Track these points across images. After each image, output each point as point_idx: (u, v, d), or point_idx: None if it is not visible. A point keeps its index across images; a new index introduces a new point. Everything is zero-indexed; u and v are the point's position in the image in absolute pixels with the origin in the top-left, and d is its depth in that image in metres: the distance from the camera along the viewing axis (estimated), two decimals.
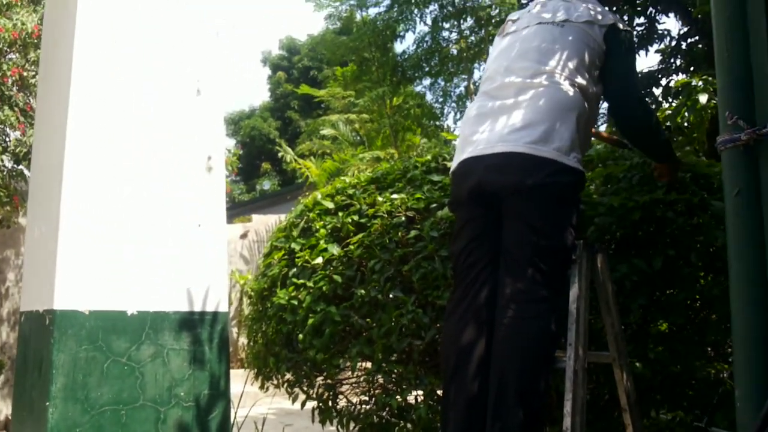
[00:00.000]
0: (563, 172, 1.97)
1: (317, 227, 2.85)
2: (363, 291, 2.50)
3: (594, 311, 2.24)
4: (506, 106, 2.07)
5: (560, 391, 1.90)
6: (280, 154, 10.71)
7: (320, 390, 2.82)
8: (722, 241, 2.38)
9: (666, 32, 7.13)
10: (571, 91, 2.04)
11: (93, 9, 2.17)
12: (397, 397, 2.47)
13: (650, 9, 6.82)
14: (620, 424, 2.21)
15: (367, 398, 2.75)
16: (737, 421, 1.25)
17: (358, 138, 8.58)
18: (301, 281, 2.69)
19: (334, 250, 2.68)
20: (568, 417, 1.77)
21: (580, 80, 2.07)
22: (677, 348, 2.40)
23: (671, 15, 6.93)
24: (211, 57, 2.47)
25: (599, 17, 2.15)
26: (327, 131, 8.79)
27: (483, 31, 6.40)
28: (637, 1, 6.68)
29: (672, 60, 6.92)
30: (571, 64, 2.08)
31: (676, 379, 2.44)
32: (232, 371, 3.47)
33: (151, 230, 2.16)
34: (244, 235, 9.67)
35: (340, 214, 2.82)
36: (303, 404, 2.86)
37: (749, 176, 1.27)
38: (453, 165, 2.20)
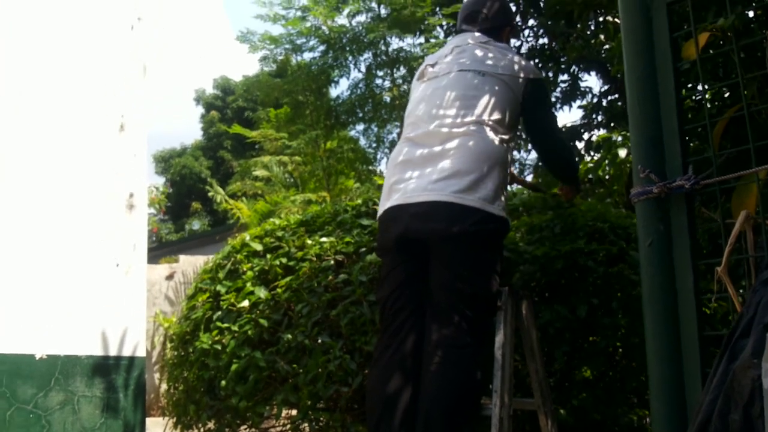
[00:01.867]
0: (488, 220, 2.00)
1: (244, 269, 2.79)
2: (290, 336, 2.44)
3: (518, 357, 2.27)
4: (433, 155, 2.09)
5: None
6: (210, 194, 10.51)
7: None
8: (639, 289, 2.49)
9: (588, 89, 7.51)
10: (495, 141, 2.09)
11: (8, 36, 2.10)
12: None
13: (573, 67, 7.18)
14: None
15: None
16: None
17: (291, 180, 8.54)
18: (226, 325, 2.61)
19: (261, 293, 2.63)
20: None
21: (502, 130, 2.13)
22: (600, 395, 2.45)
23: (593, 73, 7.32)
24: (137, 92, 2.42)
25: (520, 72, 2.21)
26: (259, 172, 8.72)
27: None
28: (562, 59, 7.02)
29: (593, 116, 7.28)
30: (494, 115, 2.13)
31: (599, 426, 2.49)
32: (152, 419, 3.28)
33: (65, 269, 2.06)
34: (170, 276, 9.34)
35: (269, 256, 2.77)
36: None
37: (661, 227, 1.33)
38: (379, 211, 2.21)
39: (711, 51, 1.53)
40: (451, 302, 1.96)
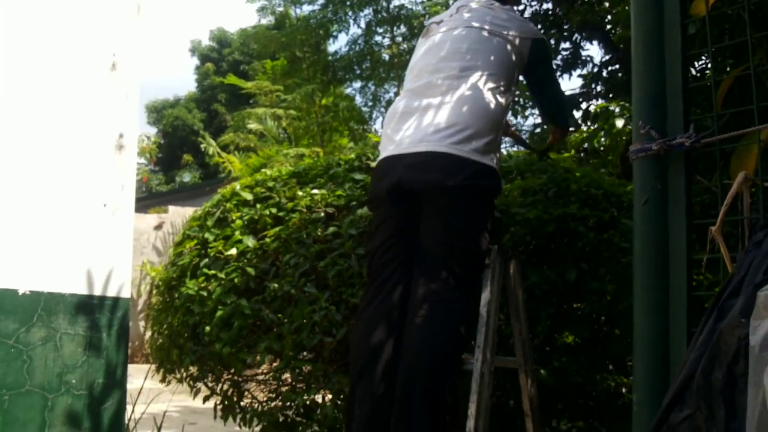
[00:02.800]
0: (483, 175, 2.00)
1: (233, 218, 2.77)
2: (276, 285, 2.44)
3: (503, 317, 2.28)
4: (431, 106, 2.09)
5: (466, 391, 1.91)
6: (203, 146, 10.41)
7: (225, 386, 2.73)
8: (628, 257, 2.50)
9: (589, 58, 7.44)
10: (493, 98, 2.08)
11: None
12: (304, 395, 2.42)
13: (576, 35, 7.10)
14: (523, 431, 2.25)
15: (273, 396, 2.69)
16: (633, 425, 1.29)
17: (285, 135, 8.46)
18: (213, 272, 2.60)
19: (250, 242, 2.61)
20: (472, 419, 1.78)
21: (502, 88, 2.13)
22: (581, 359, 2.47)
23: (595, 42, 7.24)
24: (131, 32, 2.35)
25: (526, 33, 2.23)
26: (253, 125, 8.62)
27: (415, 39, 6.47)
28: (564, 26, 6.93)
29: (593, 85, 7.23)
30: (496, 72, 2.13)
31: (578, 390, 2.51)
32: (137, 366, 3.28)
33: (51, 207, 2.02)
34: (158, 227, 9.33)
35: (258, 206, 2.75)
36: (205, 399, 2.76)
37: (658, 186, 1.32)
38: (375, 162, 2.20)
39: (722, 17, 1.49)
40: (441, 256, 1.96)
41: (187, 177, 21.95)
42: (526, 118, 7.28)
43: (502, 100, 2.11)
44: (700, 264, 1.24)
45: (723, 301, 1.01)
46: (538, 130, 6.84)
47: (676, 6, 1.34)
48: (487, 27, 2.20)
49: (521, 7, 6.83)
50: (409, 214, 2.07)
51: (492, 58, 2.14)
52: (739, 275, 1.01)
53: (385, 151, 2.13)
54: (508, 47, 2.18)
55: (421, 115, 2.09)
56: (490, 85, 2.09)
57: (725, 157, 1.34)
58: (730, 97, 1.40)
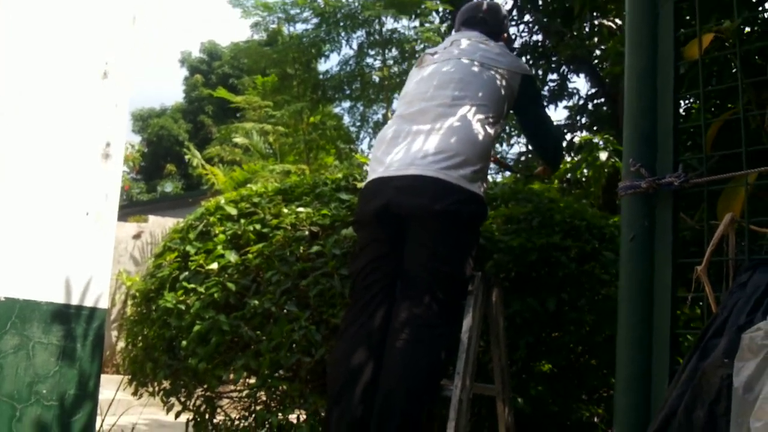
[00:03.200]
0: (470, 201, 2.02)
1: (216, 232, 2.74)
2: (257, 302, 2.41)
3: (483, 343, 2.28)
4: (422, 132, 2.11)
5: (444, 415, 1.89)
6: (187, 157, 10.34)
7: (198, 401, 2.68)
8: (607, 289, 2.52)
9: (575, 91, 7.56)
10: (482, 128, 2.12)
11: None
12: (279, 414, 2.39)
13: (563, 67, 7.22)
14: None
15: (246, 414, 2.65)
16: None
17: (271, 150, 8.44)
18: (192, 285, 2.57)
19: (232, 257, 2.59)
20: None
21: (492, 119, 2.17)
22: (558, 388, 2.47)
23: (582, 75, 7.37)
24: (125, 41, 2.35)
25: (518, 68, 2.31)
26: (239, 139, 8.60)
27: (406, 63, 6.52)
28: (553, 58, 7.05)
29: (578, 117, 7.34)
30: (487, 103, 2.17)
31: (553, 419, 2.51)
32: (106, 377, 3.22)
33: (32, 213, 1.99)
34: (137, 236, 9.21)
35: (242, 221, 2.73)
36: (177, 415, 2.71)
37: (645, 223, 1.33)
38: (363, 184, 2.21)
39: (714, 59, 1.53)
40: (426, 281, 1.96)
41: (169, 187, 21.78)
42: (511, 146, 7.36)
43: (491, 131, 2.15)
44: (683, 302, 1.25)
45: (707, 341, 1.01)
46: (522, 158, 6.90)
47: (669, 48, 1.37)
48: (479, 60, 2.26)
49: (512, 37, 6.93)
50: (395, 236, 2.07)
51: (483, 90, 2.19)
52: (723, 315, 1.02)
53: (374, 173, 2.14)
54: (499, 81, 2.23)
55: (412, 140, 2.11)
56: (480, 116, 2.13)
57: (711, 197, 1.37)
58: (716, 139, 1.43)
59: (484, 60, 2.26)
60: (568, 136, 7.09)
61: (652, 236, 1.32)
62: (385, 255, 2.08)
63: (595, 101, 7.00)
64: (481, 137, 2.10)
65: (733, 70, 2.14)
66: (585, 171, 4.99)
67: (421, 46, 6.47)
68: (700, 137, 1.78)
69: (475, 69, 2.24)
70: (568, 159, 6.48)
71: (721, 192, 1.34)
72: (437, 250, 1.98)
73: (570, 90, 7.40)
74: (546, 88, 7.45)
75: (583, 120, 7.09)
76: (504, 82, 2.24)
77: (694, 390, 0.96)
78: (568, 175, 5.27)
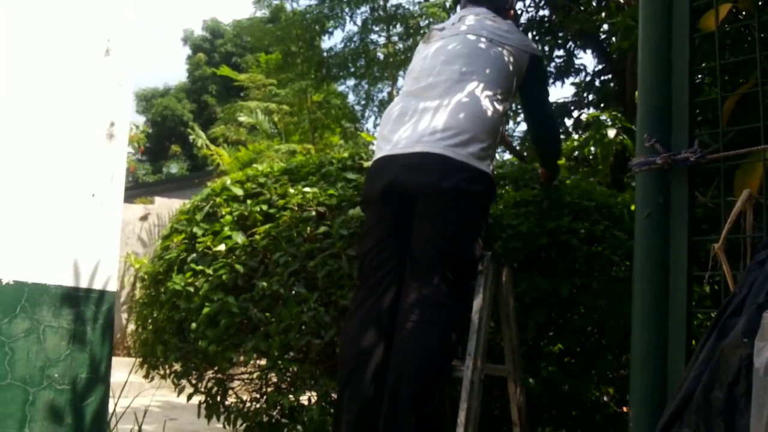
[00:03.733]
0: (478, 180, 1.99)
1: (223, 213, 2.73)
2: (265, 283, 2.41)
3: (493, 324, 2.27)
4: (429, 108, 2.08)
5: (455, 397, 1.89)
6: (192, 138, 10.32)
7: (209, 384, 2.69)
8: (619, 270, 2.50)
9: (582, 67, 7.47)
10: (491, 105, 2.08)
11: None
12: (290, 396, 2.40)
13: (569, 43, 7.12)
14: None
15: (258, 396, 2.66)
16: None
17: (276, 130, 8.40)
18: (200, 267, 2.57)
19: (239, 238, 2.58)
20: (461, 427, 1.76)
21: (500, 96, 2.13)
22: (569, 369, 2.46)
23: (588, 51, 7.26)
24: (125, 17, 2.31)
25: (526, 46, 2.27)
26: (244, 118, 8.56)
27: (411, 39, 6.43)
28: (559, 34, 6.94)
29: (585, 94, 7.25)
30: (495, 79, 2.13)
31: (565, 399, 2.51)
32: (117, 359, 3.23)
33: (38, 195, 1.98)
34: (144, 218, 9.23)
35: (249, 202, 2.72)
36: (189, 397, 2.72)
37: (660, 200, 1.31)
38: (373, 160, 2.18)
39: (727, 26, 1.49)
40: (433, 261, 1.94)
41: (174, 168, 21.77)
42: (518, 123, 7.30)
43: (499, 107, 2.11)
44: (699, 280, 1.23)
45: (724, 320, 1.00)
46: (530, 138, 6.84)
47: (685, 20, 1.33)
48: (488, 36, 2.22)
49: (518, 12, 6.84)
50: (402, 216, 2.05)
51: (491, 65, 2.15)
52: (741, 294, 1.00)
53: (381, 151, 2.12)
54: (507, 58, 2.19)
55: (419, 118, 2.08)
56: (488, 92, 2.09)
57: (726, 173, 1.34)
58: (737, 109, 1.40)
59: (493, 36, 2.22)
60: (575, 114, 7.02)
61: (667, 213, 1.29)
62: (392, 235, 2.06)
63: (602, 77, 6.90)
64: (489, 114, 2.07)
65: (745, 45, 2.09)
66: (593, 149, 4.94)
67: (426, 21, 6.39)
68: (710, 113, 1.74)
69: (483, 45, 2.20)
70: (576, 136, 6.43)
71: (737, 168, 1.31)
72: (445, 230, 1.96)
73: (577, 66, 7.30)
74: (552, 64, 7.36)
75: (591, 97, 7.01)
76: (512, 60, 2.20)
77: (713, 370, 0.95)
78: (576, 153, 5.22)
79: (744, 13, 1.45)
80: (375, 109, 6.89)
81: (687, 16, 1.34)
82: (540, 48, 7.17)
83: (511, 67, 2.20)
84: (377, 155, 2.13)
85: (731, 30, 1.96)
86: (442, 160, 1.97)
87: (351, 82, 6.92)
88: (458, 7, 2.53)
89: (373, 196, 2.09)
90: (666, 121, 1.33)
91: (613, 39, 5.13)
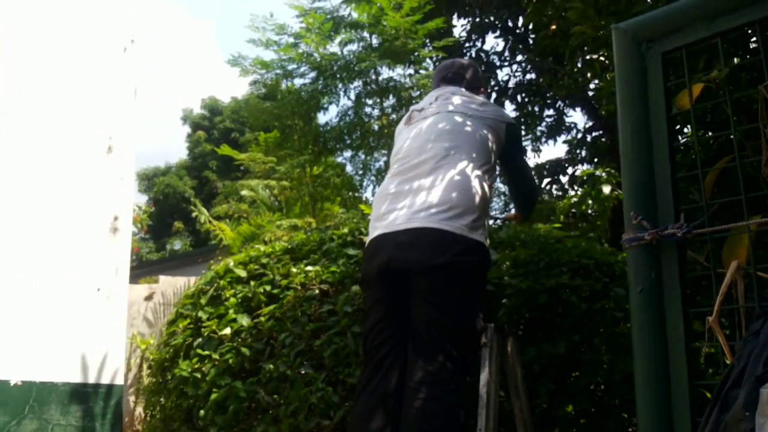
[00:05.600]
0: (472, 251, 2.03)
1: (227, 296, 2.75)
2: (272, 366, 2.41)
3: (502, 393, 2.25)
4: (422, 187, 2.14)
5: None
6: (194, 214, 10.41)
7: None
8: (622, 326, 2.50)
9: (573, 125, 7.63)
10: (478, 176, 2.16)
11: (2, 55, 2.07)
12: None
13: (559, 103, 7.29)
14: None
15: None
16: None
17: (277, 203, 8.49)
18: (207, 352, 2.57)
19: (244, 320, 2.59)
20: None
21: (485, 166, 2.21)
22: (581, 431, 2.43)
23: (578, 109, 7.44)
24: (127, 115, 2.41)
25: (502, 117, 2.39)
26: (246, 192, 8.67)
27: (403, 109, 6.60)
28: (548, 95, 7.13)
29: (578, 151, 7.37)
30: (478, 151, 2.22)
31: None
32: None
33: (43, 293, 2.01)
34: (149, 297, 9.19)
35: (252, 283, 2.74)
36: None
37: (652, 274, 1.34)
38: (366, 242, 2.22)
39: (705, 100, 1.55)
40: (434, 338, 1.95)
41: (178, 244, 21.85)
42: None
43: (486, 178, 2.19)
44: (699, 352, 1.24)
45: (726, 392, 1.01)
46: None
47: (661, 100, 1.39)
48: (466, 112, 2.32)
49: (505, 78, 7.01)
50: (400, 293, 2.07)
51: (474, 140, 2.24)
52: (739, 366, 1.02)
53: (376, 230, 2.17)
54: (487, 131, 2.29)
55: (411, 196, 2.14)
56: (475, 165, 2.17)
57: (718, 240, 1.37)
58: (720, 178, 1.44)
59: (472, 112, 2.33)
60: (570, 170, 7.12)
61: (661, 287, 1.32)
62: (391, 313, 2.07)
63: (593, 134, 7.04)
64: (478, 186, 2.14)
65: (723, 118, 2.16)
66: (590, 203, 4.99)
67: (418, 92, 6.56)
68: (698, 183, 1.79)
69: (464, 121, 2.30)
70: (572, 192, 6.49)
71: (725, 238, 1.35)
72: (443, 306, 1.98)
73: (567, 124, 7.45)
74: (543, 123, 7.51)
75: (583, 153, 7.13)
76: (491, 132, 2.30)
77: None
78: (573, 210, 5.28)
79: (719, 87, 1.51)
80: (372, 177, 7.01)
81: (662, 96, 1.40)
82: (530, 109, 7.34)
83: (491, 138, 2.29)
84: (373, 234, 2.17)
85: (709, 100, 2.03)
86: (437, 235, 2.01)
87: (348, 153, 7.06)
88: (432, 88, 2.63)
89: (371, 275, 2.12)
90: (651, 197, 1.37)
91: (603, 102, 5.27)
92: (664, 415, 1.24)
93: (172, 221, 22.89)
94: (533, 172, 6.72)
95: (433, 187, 2.12)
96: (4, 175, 2.01)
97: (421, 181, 2.15)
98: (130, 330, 8.54)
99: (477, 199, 2.10)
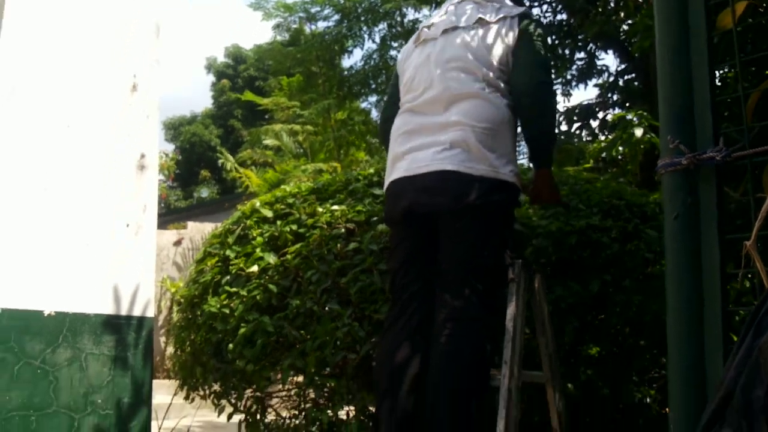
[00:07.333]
0: (497, 190, 1.95)
1: (254, 235, 2.77)
2: (298, 302, 2.43)
3: (528, 331, 2.26)
4: (437, 123, 2.03)
5: (494, 407, 1.88)
6: (220, 162, 10.47)
7: (248, 402, 2.72)
8: (652, 267, 2.47)
9: (604, 68, 7.41)
10: (499, 102, 2.01)
11: None
12: (328, 412, 2.41)
13: (590, 45, 7.08)
14: None
15: (296, 412, 2.68)
16: None
17: (301, 150, 8.50)
18: (234, 289, 2.61)
19: (271, 259, 2.61)
20: None
21: (503, 86, 2.04)
22: (607, 372, 2.44)
23: (610, 52, 7.21)
24: (150, 53, 2.38)
25: (510, 11, 2.11)
26: (270, 141, 8.67)
27: None
28: (579, 37, 6.91)
29: (609, 95, 7.19)
30: (494, 69, 2.04)
31: (605, 403, 2.48)
32: (158, 382, 3.29)
33: (74, 228, 2.04)
34: (177, 242, 9.37)
35: (279, 222, 2.75)
36: (230, 417, 2.76)
37: (688, 200, 1.30)
38: (385, 183, 2.16)
39: (750, 19, 1.48)
40: (461, 275, 1.94)
41: (205, 192, 22.10)
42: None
43: (506, 99, 2.02)
44: (733, 278, 1.21)
45: (760, 318, 0.98)
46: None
47: (701, 20, 1.32)
48: (478, 23, 2.10)
49: (536, 19, 6.81)
50: (427, 234, 2.04)
51: (490, 55, 2.04)
52: None
53: (396, 171, 2.09)
54: (502, 37, 2.06)
55: (429, 134, 2.03)
56: (494, 88, 2.02)
57: (754, 169, 1.32)
58: (757, 109, 1.38)
59: (482, 22, 2.09)
60: (600, 115, 6.96)
61: (697, 213, 1.28)
62: (418, 253, 2.05)
63: (626, 77, 6.85)
64: (498, 116, 1.99)
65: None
66: (620, 149, 4.89)
67: None
68: (738, 107, 1.72)
69: (474, 38, 2.07)
70: (602, 138, 6.36)
71: (764, 164, 1.30)
72: (468, 244, 1.95)
73: (599, 67, 7.25)
74: (574, 67, 7.32)
75: (615, 97, 6.95)
76: (503, 35, 2.06)
77: (751, 369, 0.93)
78: (604, 154, 5.18)
79: (765, 5, 1.43)
80: None
81: (703, 16, 1.33)
82: (561, 52, 7.13)
83: (504, 46, 2.05)
84: (393, 176, 2.10)
85: (752, 24, 1.94)
86: (457, 178, 1.93)
87: (373, 98, 6.97)
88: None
89: (395, 217, 2.09)
90: (689, 121, 1.32)
91: (634, 39, 5.10)
92: (697, 341, 1.22)
93: (198, 170, 23.12)
94: (561, 116, 6.56)
95: (450, 124, 1.99)
96: (33, 112, 2.02)
97: (436, 117, 2.04)
98: (160, 274, 8.74)
99: (500, 132, 1.99)
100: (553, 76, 2.18)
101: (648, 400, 2.73)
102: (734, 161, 1.26)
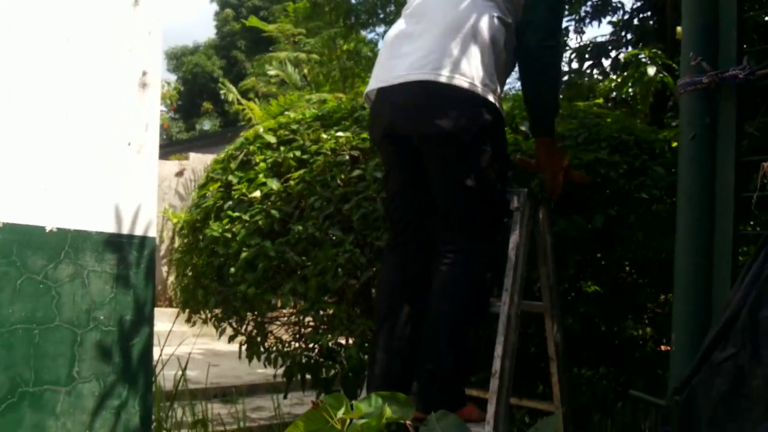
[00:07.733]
0: (480, 111, 1.83)
1: (257, 161, 2.75)
2: (300, 227, 2.43)
3: (530, 263, 2.25)
4: (424, 30, 1.91)
5: (491, 337, 1.90)
6: (223, 92, 10.33)
7: (249, 326, 2.76)
8: (657, 205, 2.45)
9: (619, 5, 7.20)
10: (494, 19, 1.89)
11: None
12: (328, 336, 2.44)
13: None
14: (545, 375, 2.25)
15: (296, 337, 2.72)
16: (671, 366, 1.27)
17: (306, 82, 8.35)
18: (237, 214, 2.60)
19: (274, 184, 2.59)
20: (498, 360, 1.77)
21: (504, 6, 1.93)
22: (606, 307, 2.45)
23: None
24: None
25: None
26: (274, 71, 8.50)
27: None
28: None
29: (623, 33, 7.00)
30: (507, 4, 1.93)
31: (602, 338, 2.50)
32: (159, 310, 3.32)
33: (75, 145, 2.01)
34: (180, 173, 9.36)
35: (282, 148, 2.72)
36: (230, 339, 2.80)
37: (707, 120, 1.26)
38: (367, 88, 2.04)
39: None
40: (457, 205, 1.89)
41: (207, 125, 21.94)
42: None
43: (503, 20, 1.91)
44: (747, 202, 1.18)
45: None
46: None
47: None
48: None
49: None
50: (412, 157, 1.94)
51: None
52: None
53: (376, 80, 1.98)
54: None
55: (414, 40, 1.91)
56: (489, 5, 1.90)
57: None
58: None
59: None
60: (613, 53, 6.81)
61: (714, 134, 1.24)
62: (408, 181, 1.98)
63: (641, 15, 6.65)
64: (490, 32, 1.87)
65: None
66: (632, 88, 4.79)
67: None
68: (756, 33, 1.66)
69: None
70: (614, 77, 6.24)
71: None
72: (457, 173, 1.86)
73: (614, 4, 7.05)
74: (588, 3, 7.11)
75: (629, 36, 6.78)
76: None
77: (760, 290, 0.92)
78: (614, 94, 5.08)
79: None
80: None
81: None
82: None
83: None
84: (371, 85, 1.99)
85: None
86: (437, 93, 1.80)
87: (381, 29, 6.78)
88: None
89: (376, 137, 2.03)
90: (713, 38, 1.26)
91: None
92: (704, 264, 1.21)
93: (200, 101, 22.85)
94: (572, 53, 6.41)
95: (440, 34, 1.86)
96: (30, 24, 1.95)
97: (427, 25, 1.90)
98: (161, 204, 8.77)
99: (488, 48, 1.85)
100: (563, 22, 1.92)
101: (645, 336, 2.76)
102: (758, 80, 1.21)
